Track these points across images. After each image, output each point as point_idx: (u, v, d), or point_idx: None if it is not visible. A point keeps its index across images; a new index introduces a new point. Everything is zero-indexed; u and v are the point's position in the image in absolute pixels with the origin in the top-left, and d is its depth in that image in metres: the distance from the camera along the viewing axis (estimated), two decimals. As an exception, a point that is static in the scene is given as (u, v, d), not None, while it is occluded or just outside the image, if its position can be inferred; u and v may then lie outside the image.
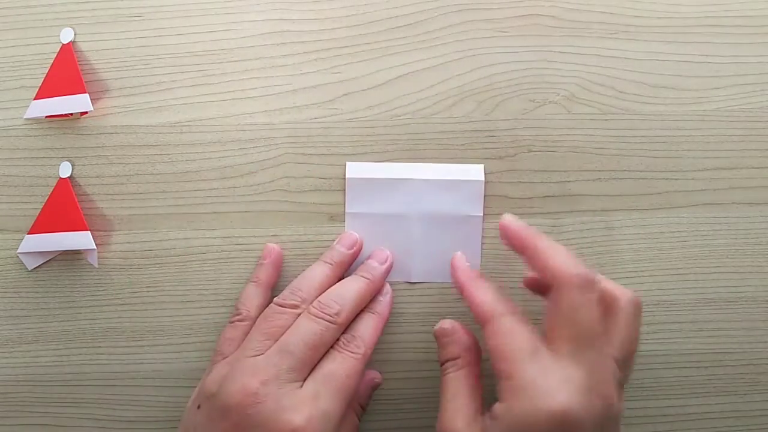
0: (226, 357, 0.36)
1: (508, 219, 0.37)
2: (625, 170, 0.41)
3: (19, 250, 0.40)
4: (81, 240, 0.39)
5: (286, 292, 0.37)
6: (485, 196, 0.41)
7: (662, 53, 0.41)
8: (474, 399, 0.35)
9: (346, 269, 0.39)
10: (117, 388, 0.40)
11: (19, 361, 0.40)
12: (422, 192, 0.40)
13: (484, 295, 0.35)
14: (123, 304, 0.40)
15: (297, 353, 0.34)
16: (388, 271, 0.40)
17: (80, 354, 0.40)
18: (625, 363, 0.35)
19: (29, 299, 0.40)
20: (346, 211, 0.40)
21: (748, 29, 0.42)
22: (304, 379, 0.34)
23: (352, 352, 0.35)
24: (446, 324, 0.37)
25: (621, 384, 0.34)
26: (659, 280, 0.41)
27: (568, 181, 0.41)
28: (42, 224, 0.39)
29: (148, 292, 0.40)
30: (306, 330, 0.35)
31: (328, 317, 0.35)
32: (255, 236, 0.40)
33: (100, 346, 0.40)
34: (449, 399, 0.35)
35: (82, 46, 0.41)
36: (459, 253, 0.39)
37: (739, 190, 0.41)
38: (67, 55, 0.40)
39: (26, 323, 0.40)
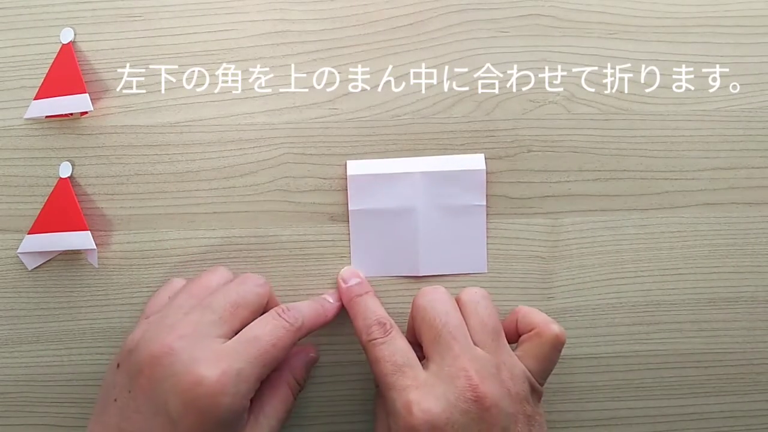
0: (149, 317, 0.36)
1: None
2: (625, 170, 0.41)
3: (19, 250, 0.40)
4: (81, 240, 0.39)
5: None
6: (486, 195, 0.41)
7: (662, 53, 0.41)
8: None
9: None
10: (117, 388, 0.40)
11: (19, 361, 0.40)
12: (424, 185, 0.40)
13: (357, 320, 0.37)
14: (123, 304, 0.40)
15: (218, 309, 0.34)
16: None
17: (80, 354, 0.40)
18: (541, 374, 0.36)
19: (29, 299, 0.40)
20: (349, 208, 0.40)
21: (748, 29, 0.42)
22: (230, 338, 0.33)
23: (287, 321, 0.34)
24: None
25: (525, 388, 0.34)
26: (659, 280, 0.41)
27: (568, 181, 0.41)
28: (42, 224, 0.39)
29: (148, 292, 0.40)
30: (230, 290, 0.35)
31: (254, 280, 0.36)
32: (255, 236, 0.40)
33: (100, 346, 0.40)
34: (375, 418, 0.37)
35: (82, 46, 0.41)
36: (346, 267, 0.40)
37: (739, 190, 0.41)
38: (67, 55, 0.40)
39: (26, 323, 0.40)
